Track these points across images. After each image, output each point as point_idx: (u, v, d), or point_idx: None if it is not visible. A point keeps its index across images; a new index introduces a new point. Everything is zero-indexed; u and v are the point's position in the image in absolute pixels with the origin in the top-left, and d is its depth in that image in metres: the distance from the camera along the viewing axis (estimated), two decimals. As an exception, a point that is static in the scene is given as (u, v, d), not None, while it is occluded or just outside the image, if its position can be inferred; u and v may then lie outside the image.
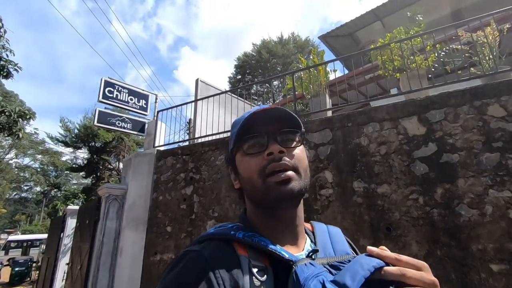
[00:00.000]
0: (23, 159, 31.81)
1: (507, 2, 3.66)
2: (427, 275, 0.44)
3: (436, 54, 3.66)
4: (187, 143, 5.48)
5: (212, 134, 4.70)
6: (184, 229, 4.11)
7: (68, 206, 8.02)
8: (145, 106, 6.31)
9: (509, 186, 2.31)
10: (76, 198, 20.53)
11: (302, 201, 0.64)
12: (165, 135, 5.69)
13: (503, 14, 3.31)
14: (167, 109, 5.59)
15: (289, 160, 0.58)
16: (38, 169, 33.82)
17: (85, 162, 20.70)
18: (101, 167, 19.81)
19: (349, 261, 0.50)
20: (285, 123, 0.62)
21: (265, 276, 0.50)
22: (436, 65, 3.74)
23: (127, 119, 6.06)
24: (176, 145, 5.23)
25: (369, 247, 0.48)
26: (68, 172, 30.08)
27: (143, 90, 6.42)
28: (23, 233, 29.14)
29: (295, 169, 0.58)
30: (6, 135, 7.97)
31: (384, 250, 0.48)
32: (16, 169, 32.72)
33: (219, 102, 5.06)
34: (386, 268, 0.44)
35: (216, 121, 4.78)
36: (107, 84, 5.76)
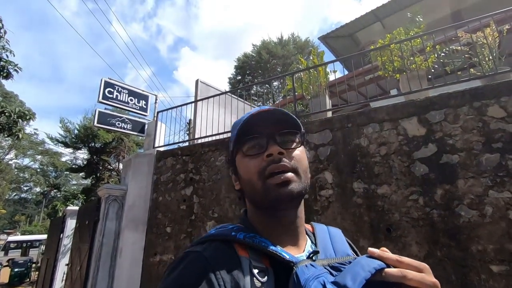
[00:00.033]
0: (22, 159, 31.81)
1: (506, 3, 3.67)
2: (428, 276, 0.44)
3: (436, 55, 3.67)
4: (187, 143, 5.48)
5: (212, 135, 4.70)
6: (184, 230, 4.11)
7: (68, 207, 8.01)
8: (145, 106, 6.32)
9: (509, 187, 2.31)
10: (75, 199, 20.50)
11: (303, 202, 0.64)
12: (165, 136, 5.70)
13: (502, 15, 3.32)
14: (167, 109, 5.60)
15: (289, 162, 0.58)
16: (38, 170, 33.79)
17: (85, 162, 20.68)
18: (101, 167, 19.80)
19: (350, 262, 0.50)
20: (285, 124, 0.62)
21: (266, 277, 0.50)
22: (436, 66, 3.75)
23: (127, 120, 6.06)
24: (176, 146, 5.24)
25: (370, 249, 0.48)
26: (67, 172, 30.03)
27: (143, 90, 6.42)
28: (23, 233, 29.08)
29: (295, 171, 0.58)
30: (6, 135, 7.98)
31: (385, 252, 0.48)
32: (15, 170, 32.68)
33: (219, 102, 5.06)
34: (387, 269, 0.44)
35: (216, 121, 4.78)
36: (107, 84, 5.76)
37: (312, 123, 3.47)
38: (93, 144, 19.37)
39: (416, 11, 4.37)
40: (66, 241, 6.99)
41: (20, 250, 18.37)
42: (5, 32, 7.14)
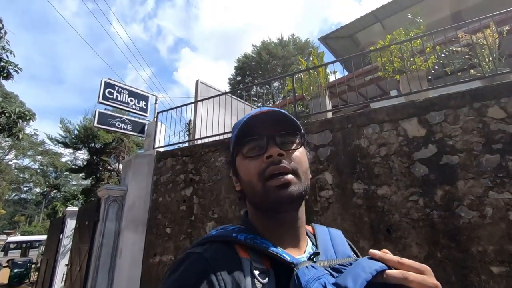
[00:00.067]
0: (22, 160, 31.81)
1: (506, 4, 3.67)
2: (430, 278, 0.44)
3: (436, 56, 3.67)
4: (187, 144, 5.48)
5: (212, 136, 4.70)
6: (184, 231, 4.11)
7: (68, 207, 8.02)
8: (145, 107, 6.32)
9: (509, 187, 2.30)
10: (75, 199, 20.51)
11: (303, 203, 0.64)
12: (165, 136, 5.70)
13: (502, 16, 3.32)
14: (167, 110, 5.60)
15: (288, 163, 0.58)
16: (38, 170, 33.78)
17: (85, 163, 20.67)
18: (100, 168, 19.79)
19: (351, 264, 0.50)
20: (285, 126, 0.62)
21: (267, 278, 0.50)
22: (436, 67, 3.75)
23: (127, 120, 6.07)
24: (176, 146, 5.24)
25: (371, 250, 0.48)
26: (67, 173, 30.02)
27: (143, 91, 6.42)
28: (23, 234, 29.04)
29: (295, 172, 0.58)
30: (6, 136, 7.98)
31: (386, 253, 0.47)
32: (15, 170, 32.67)
33: (219, 103, 5.06)
34: (389, 271, 0.44)
35: (216, 122, 4.78)
36: (107, 85, 5.76)
37: (312, 124, 3.47)
38: (93, 145, 19.37)
39: (416, 12, 4.37)
40: (66, 242, 6.98)
41: (19, 250, 18.33)
42: (5, 33, 7.15)
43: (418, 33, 3.86)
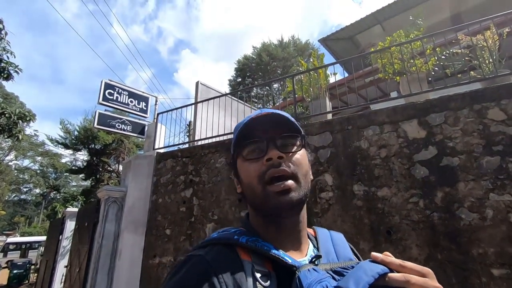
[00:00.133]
0: (22, 161, 31.81)
1: (506, 6, 3.68)
2: (432, 281, 0.44)
3: (436, 58, 3.67)
4: (187, 145, 5.49)
5: (212, 137, 4.70)
6: (184, 232, 4.10)
7: (67, 208, 8.01)
8: (145, 108, 6.33)
9: (509, 190, 2.30)
10: (75, 200, 20.45)
11: (305, 206, 0.63)
12: (165, 138, 5.70)
13: (502, 18, 3.33)
14: (167, 111, 5.60)
15: (288, 166, 0.58)
16: (38, 171, 33.78)
17: (85, 164, 20.67)
18: (100, 169, 19.79)
19: (353, 267, 0.49)
20: (285, 128, 0.62)
21: (269, 281, 0.50)
22: (436, 68, 3.75)
23: (127, 121, 6.07)
24: (176, 148, 5.24)
25: (373, 253, 0.48)
26: (67, 174, 30.03)
27: (143, 92, 6.43)
28: (22, 235, 29.02)
29: (294, 176, 0.58)
30: (6, 136, 7.98)
31: (388, 256, 0.47)
32: (15, 171, 32.67)
33: (219, 104, 5.06)
34: (391, 274, 0.44)
35: (216, 123, 4.78)
36: (107, 86, 5.77)
37: (312, 125, 3.47)
38: (93, 146, 19.38)
39: (416, 14, 4.38)
40: (65, 243, 6.97)
41: (19, 251, 18.32)
42: (6, 34, 7.16)
43: (418, 35, 3.86)
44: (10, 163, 30.91)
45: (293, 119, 0.63)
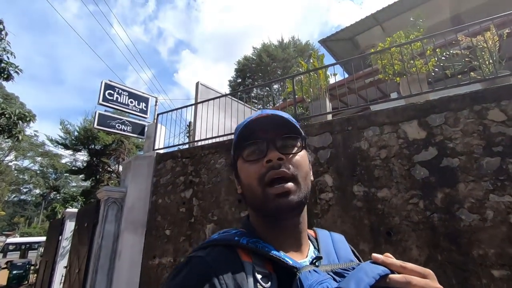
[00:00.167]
0: (22, 161, 31.80)
1: (506, 7, 3.68)
2: (432, 282, 0.44)
3: (436, 59, 3.68)
4: (187, 146, 5.48)
5: (212, 137, 4.70)
6: (183, 233, 4.09)
7: (67, 209, 8.00)
8: (145, 109, 6.33)
9: (509, 191, 2.30)
10: (75, 201, 20.46)
11: (305, 207, 0.63)
12: (165, 138, 5.69)
13: (502, 19, 3.33)
14: (167, 112, 5.60)
15: (288, 168, 0.58)
16: (38, 172, 33.76)
17: (85, 164, 20.64)
18: (100, 169, 19.77)
19: (353, 268, 0.49)
20: (285, 129, 0.62)
21: (269, 282, 0.50)
22: (436, 69, 3.75)
23: (127, 122, 6.07)
24: (176, 148, 5.23)
25: (374, 254, 0.48)
26: (67, 174, 30.02)
27: (143, 93, 6.43)
28: (22, 235, 28.96)
29: (294, 178, 0.58)
30: (6, 137, 7.98)
31: (389, 258, 0.47)
32: (15, 171, 32.65)
33: (219, 105, 5.07)
34: (391, 275, 0.44)
35: (216, 124, 4.78)
36: (107, 86, 5.77)
37: (312, 126, 3.47)
38: (93, 146, 19.36)
39: (418, 15, 4.39)
40: (65, 243, 6.97)
41: (18, 252, 18.27)
42: (6, 34, 7.17)
43: (418, 35, 3.86)
44: (10, 164, 30.93)
45: (293, 120, 0.63)
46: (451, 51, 3.74)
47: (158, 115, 5.86)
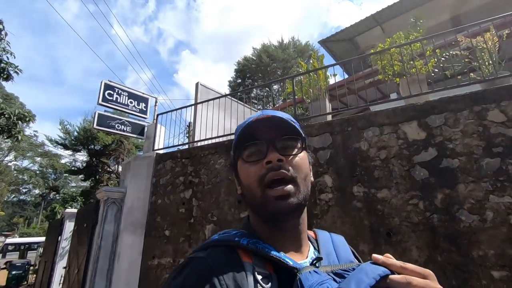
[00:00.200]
0: (22, 161, 31.78)
1: (506, 8, 3.68)
2: (433, 283, 0.44)
3: (435, 59, 3.68)
4: (186, 146, 5.48)
5: (212, 138, 4.69)
6: (183, 233, 4.09)
7: (67, 209, 8.00)
8: (144, 109, 6.33)
9: (509, 191, 2.30)
10: (74, 201, 20.45)
11: (306, 208, 0.63)
12: (165, 139, 5.69)
13: (502, 20, 3.33)
14: (167, 112, 5.60)
15: (288, 169, 0.58)
16: (37, 172, 33.74)
17: (84, 165, 20.64)
18: (100, 170, 19.76)
19: (354, 269, 0.49)
20: (285, 130, 0.62)
21: (270, 283, 0.49)
22: (436, 70, 3.76)
23: (126, 122, 6.07)
24: (175, 149, 5.23)
25: (374, 255, 0.48)
26: (67, 175, 29.99)
27: (143, 93, 6.43)
28: (21, 236, 28.91)
29: (294, 180, 0.57)
30: (5, 137, 7.97)
31: (389, 258, 0.47)
32: (15, 172, 32.62)
33: (219, 105, 5.06)
34: (392, 276, 0.44)
35: (215, 124, 4.78)
36: (107, 87, 5.77)
37: (312, 127, 3.47)
38: (92, 146, 19.35)
39: (418, 15, 4.39)
40: (64, 244, 6.97)
41: (18, 252, 18.26)
42: (6, 34, 7.17)
43: (418, 36, 3.87)
44: (9, 164, 30.91)
45: (294, 121, 0.63)
46: (451, 52, 3.75)
47: (157, 115, 5.86)
